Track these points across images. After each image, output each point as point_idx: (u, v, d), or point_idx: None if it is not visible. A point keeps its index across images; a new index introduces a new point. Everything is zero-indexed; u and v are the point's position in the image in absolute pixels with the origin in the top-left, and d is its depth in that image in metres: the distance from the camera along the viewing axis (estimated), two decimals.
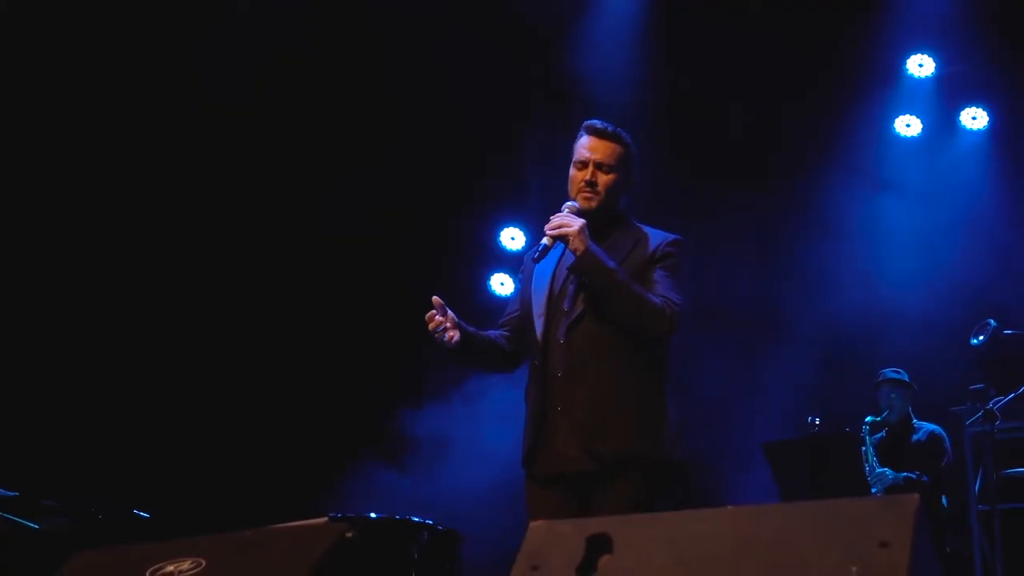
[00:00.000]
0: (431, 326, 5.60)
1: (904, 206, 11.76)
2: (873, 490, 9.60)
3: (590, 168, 5.71)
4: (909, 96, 11.82)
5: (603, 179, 5.70)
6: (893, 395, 10.18)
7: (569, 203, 5.68)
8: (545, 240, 5.57)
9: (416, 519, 6.49)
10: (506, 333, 5.95)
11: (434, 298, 5.63)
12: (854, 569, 3.19)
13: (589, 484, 5.48)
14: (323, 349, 11.93)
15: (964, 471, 10.96)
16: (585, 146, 5.76)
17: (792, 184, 11.89)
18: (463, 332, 5.66)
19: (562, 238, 5.52)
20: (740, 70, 11.34)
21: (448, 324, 5.60)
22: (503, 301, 12.61)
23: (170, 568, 4.23)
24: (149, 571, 4.25)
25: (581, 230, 5.48)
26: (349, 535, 4.20)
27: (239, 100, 11.11)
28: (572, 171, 5.78)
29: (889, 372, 10.28)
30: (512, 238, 12.74)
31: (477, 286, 12.77)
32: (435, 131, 11.84)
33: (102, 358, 11.02)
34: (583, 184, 5.70)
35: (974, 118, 11.67)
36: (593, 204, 5.69)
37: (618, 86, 11.28)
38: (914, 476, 9.74)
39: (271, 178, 11.66)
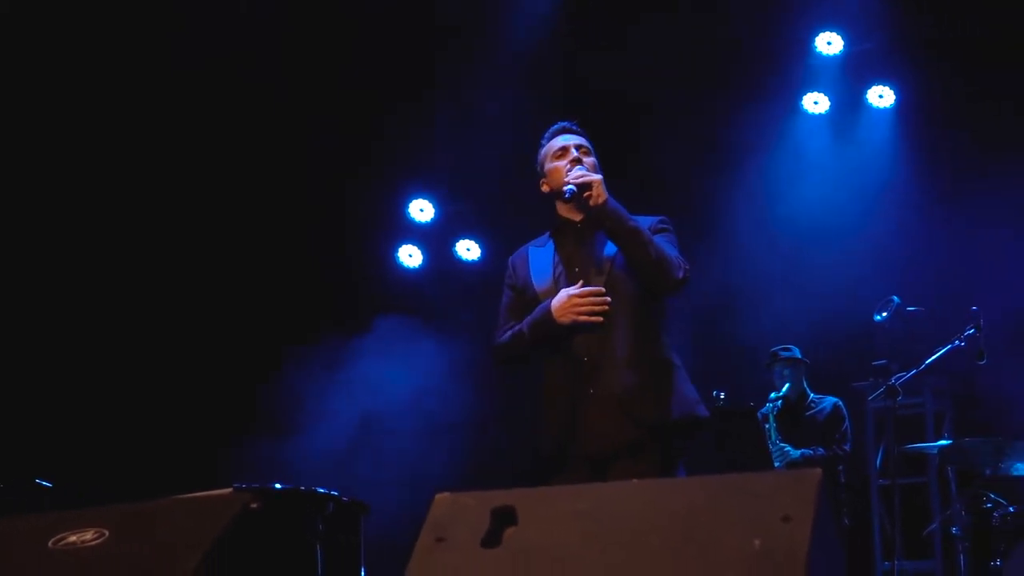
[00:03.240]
0: (600, 306, 5.69)
1: (811, 182, 11.83)
2: (776, 464, 9.68)
3: (573, 151, 5.94)
4: (817, 73, 11.90)
5: (587, 160, 5.92)
6: (786, 372, 10.27)
7: (581, 166, 5.85)
8: (571, 186, 5.71)
9: (321, 490, 6.46)
10: None
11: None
12: (757, 543, 3.21)
13: (619, 456, 5.62)
14: (224, 317, 11.88)
15: (865, 446, 11.12)
16: (559, 139, 6.04)
17: (701, 159, 11.93)
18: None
19: (586, 186, 5.68)
20: (649, 44, 11.35)
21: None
22: (410, 273, 12.66)
23: (73, 538, 4.20)
24: (51, 541, 4.22)
25: (602, 181, 5.72)
26: (254, 506, 4.19)
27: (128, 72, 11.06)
28: (554, 164, 5.99)
29: (779, 350, 10.37)
30: (421, 209, 12.74)
31: (384, 257, 12.75)
32: (340, 99, 11.79)
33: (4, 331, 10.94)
34: (571, 164, 5.89)
35: (881, 96, 11.75)
36: None
37: (528, 53, 11.32)
38: (810, 452, 9.83)
39: (165, 146, 11.56)
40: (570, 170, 5.84)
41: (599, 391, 5.65)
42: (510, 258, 6.20)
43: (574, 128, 6.08)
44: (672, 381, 5.74)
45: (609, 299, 5.67)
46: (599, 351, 5.68)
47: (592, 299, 5.66)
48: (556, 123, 6.15)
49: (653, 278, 5.73)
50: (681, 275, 5.73)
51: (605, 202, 5.67)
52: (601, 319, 5.65)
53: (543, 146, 6.09)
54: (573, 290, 5.71)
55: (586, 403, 5.67)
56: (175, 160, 11.66)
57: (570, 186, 5.70)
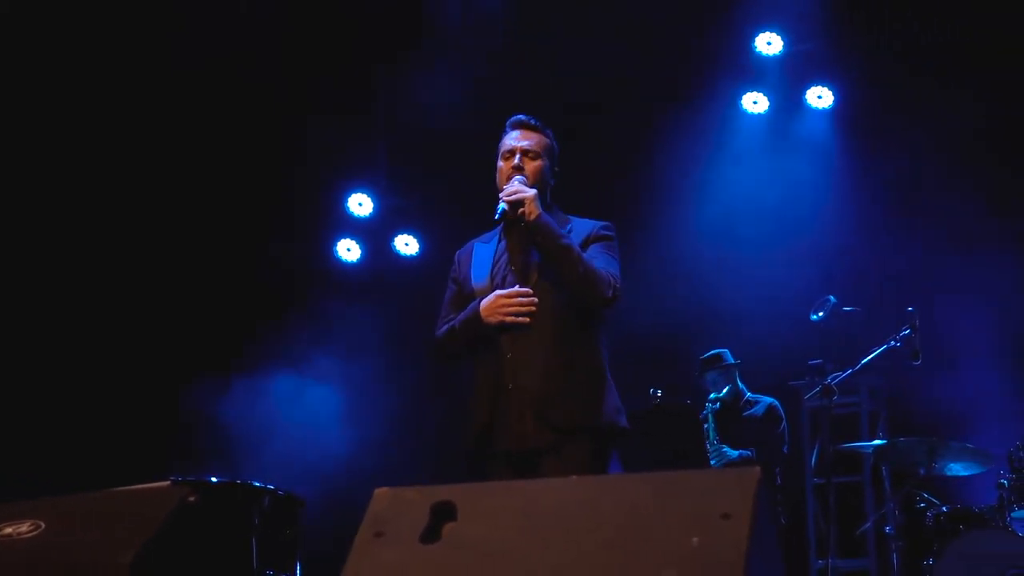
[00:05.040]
0: (527, 307, 5.73)
1: (748, 181, 11.87)
2: (712, 462, 9.69)
3: (517, 156, 5.94)
4: (757, 73, 11.94)
5: (530, 165, 5.95)
6: (720, 378, 10.26)
7: (519, 177, 5.87)
8: (503, 204, 5.73)
9: (257, 483, 6.45)
10: None
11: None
12: (695, 540, 3.22)
13: (538, 457, 5.64)
14: (162, 309, 11.79)
15: (801, 444, 11.17)
16: (511, 137, 6.03)
17: (638, 157, 11.94)
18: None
19: (518, 203, 5.71)
20: (589, 40, 11.35)
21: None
22: (349, 267, 12.62)
23: (8, 530, 4.17)
24: None
25: (535, 197, 5.74)
26: (191, 499, 4.17)
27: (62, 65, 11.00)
28: (500, 164, 6.02)
29: (709, 356, 10.35)
30: (360, 204, 12.70)
31: (323, 251, 12.70)
32: (283, 92, 11.74)
33: None
34: (512, 171, 5.91)
35: (820, 97, 11.82)
36: None
37: (470, 47, 11.32)
38: (748, 453, 9.85)
39: (106, 138, 11.47)
40: (511, 176, 5.87)
41: (518, 391, 5.68)
42: (457, 252, 6.23)
43: (530, 123, 6.06)
44: (594, 388, 5.78)
45: (536, 300, 5.70)
46: (523, 352, 5.71)
47: (519, 300, 5.70)
48: (514, 115, 6.13)
49: (581, 294, 5.74)
50: (610, 294, 5.74)
51: (536, 219, 5.69)
52: (527, 319, 5.68)
53: (505, 134, 6.10)
54: (502, 291, 5.75)
55: (506, 401, 5.70)
56: (172, 159, 11.62)
57: (501, 204, 5.74)
